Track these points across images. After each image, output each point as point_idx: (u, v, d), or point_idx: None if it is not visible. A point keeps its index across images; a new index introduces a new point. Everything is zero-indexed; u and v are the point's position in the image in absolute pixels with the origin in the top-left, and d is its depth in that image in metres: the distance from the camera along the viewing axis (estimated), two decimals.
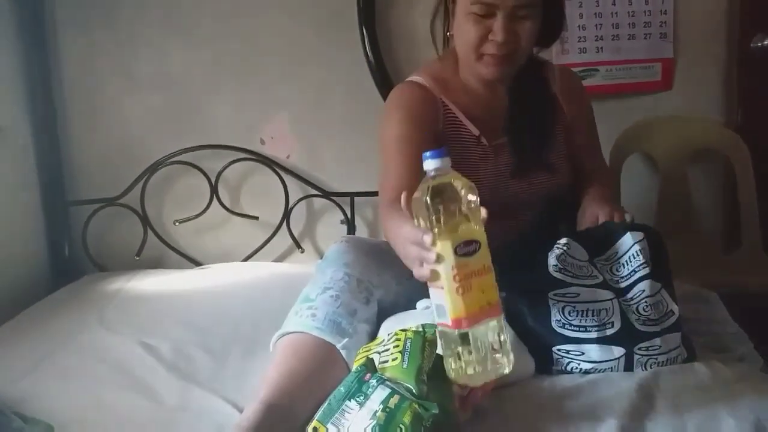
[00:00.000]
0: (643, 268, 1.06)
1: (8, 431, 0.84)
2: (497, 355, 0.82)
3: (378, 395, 0.80)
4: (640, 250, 1.07)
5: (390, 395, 0.80)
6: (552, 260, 1.06)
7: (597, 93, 1.94)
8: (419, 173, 0.96)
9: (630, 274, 1.07)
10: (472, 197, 0.82)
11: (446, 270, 0.79)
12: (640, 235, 1.08)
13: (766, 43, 1.95)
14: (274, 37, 1.89)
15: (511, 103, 1.28)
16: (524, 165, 1.27)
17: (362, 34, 1.85)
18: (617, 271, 1.08)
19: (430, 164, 0.84)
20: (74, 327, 1.37)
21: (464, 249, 0.79)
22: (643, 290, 1.04)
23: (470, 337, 0.80)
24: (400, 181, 1.14)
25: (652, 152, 2.01)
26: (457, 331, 0.80)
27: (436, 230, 0.80)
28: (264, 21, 1.88)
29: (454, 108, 1.27)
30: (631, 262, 1.07)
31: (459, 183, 0.83)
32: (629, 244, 1.08)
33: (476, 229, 0.81)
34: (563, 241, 1.08)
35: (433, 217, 0.80)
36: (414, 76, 1.32)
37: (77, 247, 1.86)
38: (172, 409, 1.04)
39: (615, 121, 1.96)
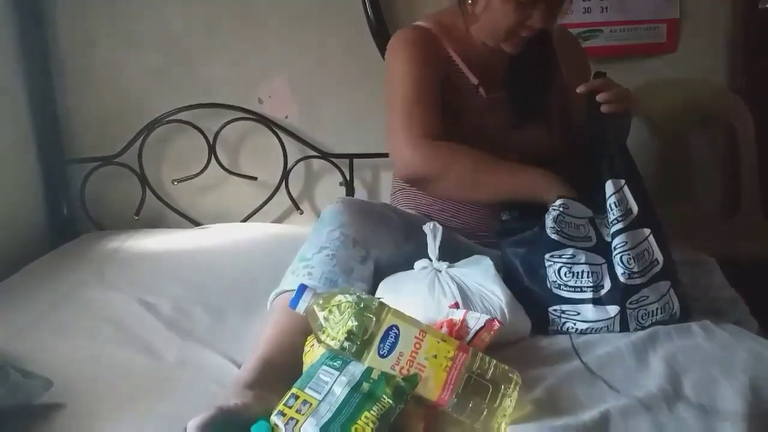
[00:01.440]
0: (621, 219, 1.05)
1: (7, 385, 0.84)
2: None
3: (357, 367, 0.81)
4: (615, 201, 1.06)
5: (370, 369, 0.80)
6: (549, 222, 1.06)
7: (600, 55, 1.92)
8: (436, 115, 1.18)
9: (613, 222, 1.07)
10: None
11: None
12: (619, 183, 1.07)
13: None
14: None
15: (511, 58, 1.28)
16: (521, 117, 1.27)
17: None
18: (608, 225, 1.08)
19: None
20: (73, 284, 1.37)
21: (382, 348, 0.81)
22: (625, 242, 1.04)
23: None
24: (428, 124, 1.19)
25: (653, 115, 1.99)
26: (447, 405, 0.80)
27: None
28: None
29: (455, 56, 1.29)
30: (611, 211, 1.07)
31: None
32: (608, 194, 1.08)
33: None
34: (558, 201, 1.08)
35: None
36: (419, 22, 1.32)
37: (75, 205, 1.86)
38: (171, 366, 1.05)
39: (618, 83, 1.93)
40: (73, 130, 1.87)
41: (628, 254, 1.03)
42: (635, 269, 1.03)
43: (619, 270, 1.03)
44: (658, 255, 1.05)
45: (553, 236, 1.05)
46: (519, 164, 1.19)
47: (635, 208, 1.06)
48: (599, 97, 1.13)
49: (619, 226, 1.05)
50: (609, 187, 1.08)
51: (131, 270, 1.47)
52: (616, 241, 1.05)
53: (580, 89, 1.16)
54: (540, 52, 1.29)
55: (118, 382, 1.00)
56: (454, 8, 1.30)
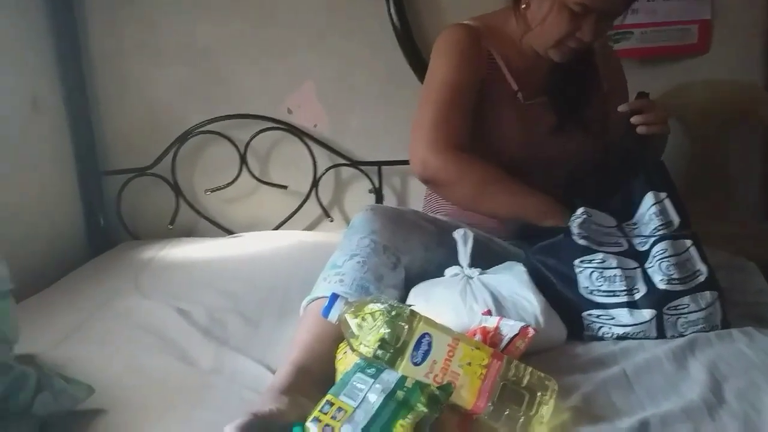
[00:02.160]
0: (662, 229, 1.06)
1: (52, 391, 0.86)
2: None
3: (391, 375, 0.81)
4: (657, 212, 1.07)
5: (404, 377, 0.80)
6: (575, 229, 1.06)
7: (632, 57, 1.89)
8: (465, 123, 1.21)
9: (651, 234, 1.06)
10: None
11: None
12: (659, 195, 1.08)
13: None
14: (300, 6, 1.87)
15: (554, 66, 1.29)
16: (563, 124, 1.28)
17: (388, 1, 1.82)
18: (641, 232, 1.08)
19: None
20: (110, 293, 1.39)
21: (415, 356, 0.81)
22: (665, 249, 1.03)
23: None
24: (455, 131, 1.21)
25: (688, 117, 1.96)
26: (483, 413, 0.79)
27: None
28: None
29: (498, 58, 1.29)
30: (650, 223, 1.08)
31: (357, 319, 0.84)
32: (648, 205, 1.09)
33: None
34: (580, 210, 1.08)
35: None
36: (467, 20, 1.33)
37: (112, 216, 1.90)
38: (206, 372, 1.06)
39: (650, 86, 1.88)
40: (107, 143, 1.92)
41: (668, 261, 1.02)
42: (675, 276, 1.01)
43: (657, 276, 1.01)
44: (701, 266, 1.04)
45: (581, 242, 1.05)
46: (527, 187, 1.20)
47: (676, 220, 1.07)
48: (636, 119, 1.16)
49: (660, 233, 1.05)
50: (650, 198, 1.09)
51: (166, 278, 1.49)
52: (657, 248, 1.04)
53: (621, 108, 1.18)
54: (583, 63, 1.30)
55: (156, 389, 1.01)
56: (505, 12, 1.31)
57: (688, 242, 1.05)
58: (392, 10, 1.82)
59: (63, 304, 1.36)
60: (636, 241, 1.07)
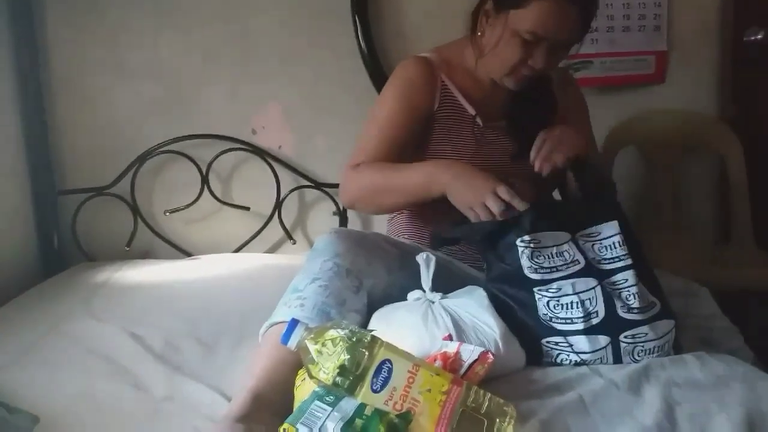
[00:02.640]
0: (626, 258, 1.07)
1: None
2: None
3: (350, 403, 0.80)
4: (622, 241, 1.08)
5: (363, 405, 0.79)
6: (525, 262, 1.05)
7: (591, 85, 1.94)
8: (394, 155, 1.25)
9: (614, 260, 1.07)
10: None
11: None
12: (618, 225, 1.10)
13: (759, 36, 1.95)
14: (267, 27, 1.87)
15: (512, 93, 1.31)
16: (522, 148, 1.29)
17: (355, 24, 1.84)
18: (600, 251, 1.08)
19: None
20: (62, 316, 1.35)
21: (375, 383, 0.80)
22: (626, 279, 1.04)
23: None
24: (372, 154, 1.26)
25: (645, 145, 2.01)
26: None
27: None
28: (257, 10, 1.86)
29: (452, 87, 1.33)
30: (614, 249, 1.08)
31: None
32: (612, 232, 1.09)
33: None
34: (527, 238, 1.06)
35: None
36: (425, 53, 1.37)
37: (66, 236, 1.85)
38: (159, 399, 1.03)
39: (609, 114, 1.96)
40: (65, 161, 1.87)
41: (629, 291, 1.03)
42: (635, 305, 1.02)
43: (618, 303, 1.02)
44: (652, 298, 1.05)
45: (533, 276, 1.04)
46: (409, 165, 1.22)
47: (632, 251, 1.08)
48: (534, 161, 1.20)
49: (621, 263, 1.06)
50: (614, 226, 1.09)
51: (121, 302, 1.45)
52: (618, 277, 1.04)
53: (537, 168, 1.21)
54: (540, 88, 1.33)
55: (107, 417, 0.98)
56: (463, 41, 1.34)
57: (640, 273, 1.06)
58: (359, 34, 1.84)
59: (12, 327, 1.32)
60: (591, 256, 1.07)
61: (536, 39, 1.18)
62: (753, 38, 1.96)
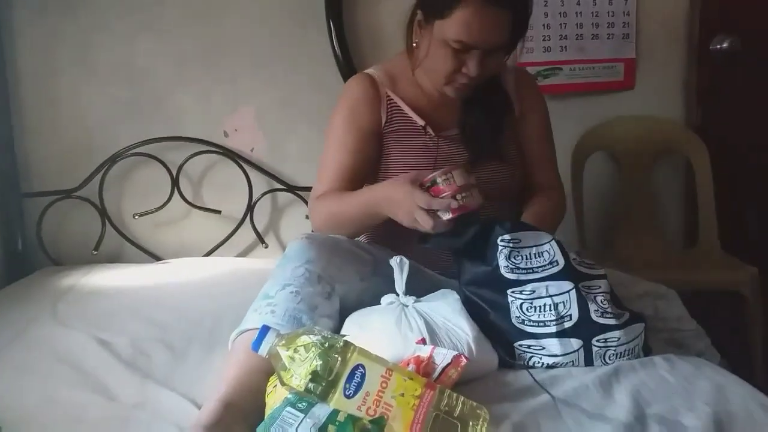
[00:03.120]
0: (599, 268, 1.09)
1: None
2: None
3: (322, 409, 0.79)
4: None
5: (336, 411, 0.79)
6: (502, 261, 1.05)
7: (560, 92, 1.97)
8: (353, 179, 1.28)
9: (592, 266, 1.09)
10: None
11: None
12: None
13: (725, 45, 2.00)
14: (240, 29, 1.86)
15: (463, 99, 1.31)
16: (478, 155, 1.30)
17: (329, 28, 1.83)
18: (579, 255, 1.09)
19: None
20: (25, 322, 1.32)
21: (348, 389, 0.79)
22: (600, 286, 1.06)
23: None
24: (330, 183, 1.30)
25: (614, 151, 2.05)
26: None
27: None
28: (230, 12, 1.85)
29: (398, 101, 1.33)
30: (584, 258, 1.10)
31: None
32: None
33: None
34: (506, 237, 1.06)
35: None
36: (370, 69, 1.39)
37: (31, 240, 1.80)
38: (127, 407, 1.01)
39: (578, 120, 1.99)
40: (30, 162, 1.83)
41: (602, 296, 1.04)
42: (610, 310, 1.02)
43: (592, 307, 1.02)
44: (621, 309, 1.06)
45: (509, 276, 1.04)
46: (361, 191, 1.24)
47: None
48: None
49: (596, 272, 1.08)
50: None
51: (88, 307, 1.42)
52: (594, 282, 1.06)
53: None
54: (491, 92, 1.33)
55: (73, 425, 0.95)
56: (405, 54, 1.33)
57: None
58: (333, 39, 1.83)
59: None
60: (573, 256, 1.08)
61: (465, 48, 1.17)
62: (719, 47, 2.01)
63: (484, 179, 1.29)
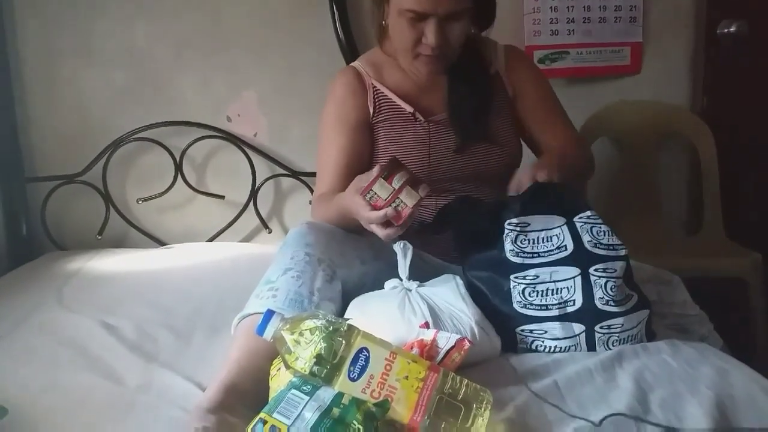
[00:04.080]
0: (621, 249, 1.05)
1: None
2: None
3: (327, 392, 0.80)
4: (609, 230, 1.07)
5: (341, 394, 0.79)
6: (508, 245, 1.05)
7: (567, 75, 1.96)
8: (349, 176, 1.20)
9: (609, 247, 1.05)
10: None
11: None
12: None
13: (732, 29, 1.98)
14: (242, 13, 1.84)
15: (449, 81, 1.32)
16: (466, 139, 1.30)
17: (333, 12, 1.82)
18: (598, 235, 1.06)
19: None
20: (31, 306, 1.33)
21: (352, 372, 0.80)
22: (615, 270, 1.03)
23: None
24: (328, 183, 1.30)
25: (619, 136, 2.03)
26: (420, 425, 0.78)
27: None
28: None
29: (385, 90, 1.33)
30: (611, 236, 1.06)
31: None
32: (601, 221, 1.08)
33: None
34: (514, 221, 1.06)
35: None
36: (355, 61, 1.40)
37: (36, 225, 1.81)
38: (133, 390, 1.02)
39: (584, 104, 1.98)
40: (34, 147, 1.83)
41: (614, 281, 1.02)
42: (616, 298, 1.01)
43: (598, 293, 1.01)
44: (629, 291, 1.05)
45: (514, 259, 1.04)
46: (336, 202, 1.19)
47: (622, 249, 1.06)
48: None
49: (614, 253, 1.04)
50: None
51: (93, 291, 1.43)
52: (608, 265, 1.03)
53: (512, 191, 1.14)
54: (475, 69, 1.33)
55: (78, 409, 0.96)
56: (387, 40, 1.33)
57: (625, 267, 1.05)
58: (338, 25, 1.82)
59: None
60: (588, 239, 1.05)
61: (418, 17, 1.17)
62: (726, 31, 1.99)
63: (471, 162, 1.30)
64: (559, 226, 1.06)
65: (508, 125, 1.36)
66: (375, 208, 1.04)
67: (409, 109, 1.31)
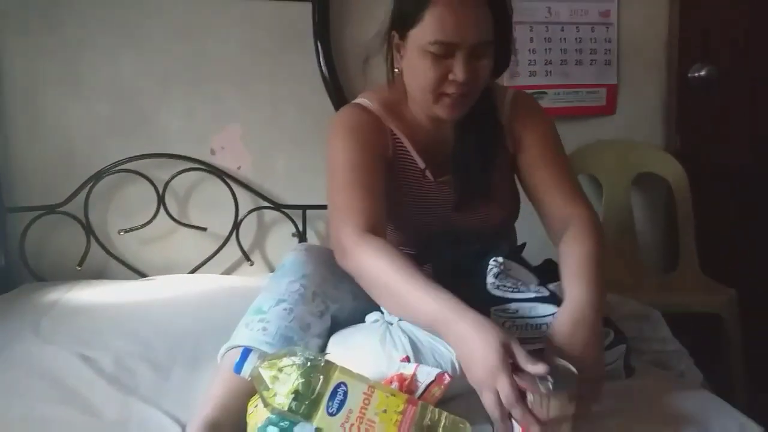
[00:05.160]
0: None
1: None
2: None
3: (304, 429, 0.80)
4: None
5: (319, 430, 0.79)
6: (490, 279, 1.06)
7: None
8: (379, 202, 1.10)
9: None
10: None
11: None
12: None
13: (702, 73, 2.06)
14: (228, 47, 1.87)
15: (456, 140, 1.24)
16: (465, 200, 1.24)
17: (317, 48, 1.86)
18: None
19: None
20: (6, 338, 1.30)
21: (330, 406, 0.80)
22: None
23: None
24: (369, 213, 1.09)
25: (596, 174, 2.08)
26: None
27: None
28: (214, 30, 1.86)
29: (402, 138, 1.24)
30: None
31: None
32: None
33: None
34: (500, 259, 1.07)
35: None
36: (361, 98, 1.27)
37: (14, 255, 1.78)
38: (111, 424, 1.00)
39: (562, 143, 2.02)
40: (14, 177, 1.82)
41: None
42: None
43: None
44: (608, 326, 1.06)
45: (495, 292, 1.04)
46: (421, 292, 0.96)
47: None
48: None
49: None
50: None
51: (71, 323, 1.40)
52: None
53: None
54: (483, 123, 1.23)
55: None
56: (397, 85, 1.23)
57: None
58: (321, 60, 1.86)
59: None
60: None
61: (445, 49, 1.08)
62: (697, 74, 2.07)
63: (471, 222, 1.26)
64: (535, 283, 1.08)
65: (508, 180, 1.30)
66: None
67: (421, 164, 1.24)
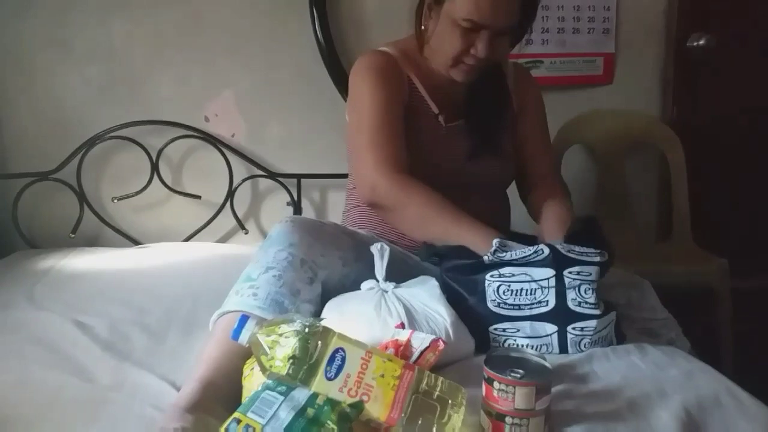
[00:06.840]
0: (595, 256, 1.06)
1: None
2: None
3: (301, 393, 0.80)
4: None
5: (315, 395, 0.80)
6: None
7: (541, 84, 1.98)
8: (403, 143, 1.23)
9: (584, 254, 1.07)
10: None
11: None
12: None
13: (701, 42, 2.04)
14: (222, 12, 1.84)
15: (469, 90, 1.33)
16: (479, 148, 1.31)
17: (312, 15, 1.83)
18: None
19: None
20: (1, 304, 1.30)
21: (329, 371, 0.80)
22: (591, 273, 1.05)
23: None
24: (396, 152, 1.22)
25: (592, 143, 2.07)
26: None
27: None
28: None
29: (417, 82, 1.32)
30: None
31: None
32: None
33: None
34: (495, 241, 1.07)
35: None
36: (381, 47, 1.35)
37: (6, 222, 1.78)
38: (105, 388, 1.00)
39: (558, 113, 2.00)
40: (6, 144, 1.80)
41: (589, 285, 1.04)
42: (590, 301, 1.03)
43: (570, 295, 1.03)
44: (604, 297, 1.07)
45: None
46: (467, 217, 1.16)
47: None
48: None
49: (588, 259, 1.05)
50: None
51: (66, 290, 1.41)
52: (584, 268, 1.05)
53: None
54: (494, 85, 1.35)
55: (49, 407, 0.94)
56: (412, 38, 1.33)
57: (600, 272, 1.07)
58: (317, 27, 1.83)
59: None
60: (561, 247, 1.06)
61: (474, 26, 1.18)
62: (695, 44, 2.05)
63: (479, 172, 1.32)
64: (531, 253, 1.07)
65: (511, 142, 1.40)
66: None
67: (435, 109, 1.31)
